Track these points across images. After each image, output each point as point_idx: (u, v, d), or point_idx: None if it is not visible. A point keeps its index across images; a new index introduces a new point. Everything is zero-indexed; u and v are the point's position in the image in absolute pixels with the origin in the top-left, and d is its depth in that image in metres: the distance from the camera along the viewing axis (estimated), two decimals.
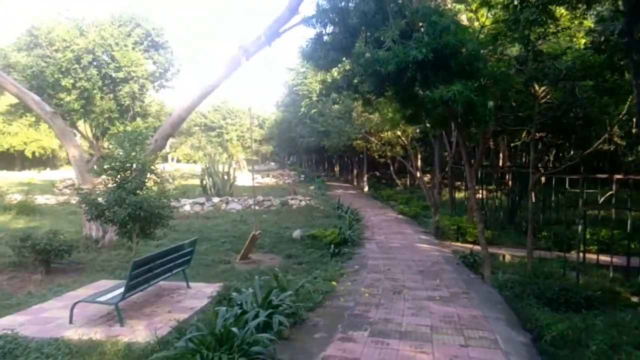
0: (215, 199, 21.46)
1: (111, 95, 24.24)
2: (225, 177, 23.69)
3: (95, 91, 23.35)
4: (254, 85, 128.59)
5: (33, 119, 25.96)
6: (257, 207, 21.35)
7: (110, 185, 8.24)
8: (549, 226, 18.86)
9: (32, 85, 22.13)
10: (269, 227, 15.99)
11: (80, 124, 26.20)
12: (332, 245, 12.34)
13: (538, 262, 13.43)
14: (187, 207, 20.57)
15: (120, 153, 8.09)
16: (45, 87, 22.42)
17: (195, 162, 59.85)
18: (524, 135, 23.12)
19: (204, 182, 23.31)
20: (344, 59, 9.13)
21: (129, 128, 25.16)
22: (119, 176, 8.24)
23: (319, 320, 6.34)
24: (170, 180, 22.66)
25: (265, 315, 5.48)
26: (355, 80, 9.95)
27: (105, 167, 8.15)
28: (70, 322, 5.78)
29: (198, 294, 7.24)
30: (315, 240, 13.37)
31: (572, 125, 17.58)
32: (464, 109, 8.81)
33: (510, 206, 20.81)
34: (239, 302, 5.79)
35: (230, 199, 21.82)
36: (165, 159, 68.89)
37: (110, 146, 8.76)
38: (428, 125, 14.89)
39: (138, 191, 8.19)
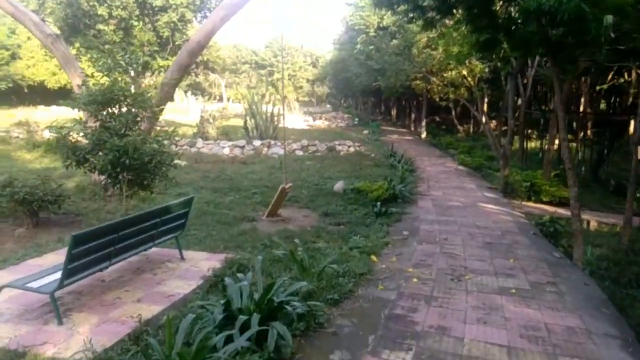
0: (257, 142, 19.79)
1: (150, 27, 22.56)
2: (269, 118, 21.85)
3: (132, 21, 21.74)
4: (309, 23, 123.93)
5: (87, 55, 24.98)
6: (301, 153, 19.54)
7: (89, 124, 6.57)
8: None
9: (66, 14, 20.86)
10: (309, 176, 14.16)
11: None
12: (379, 203, 10.34)
13: (636, 232, 10.87)
14: (226, 150, 19.07)
15: (105, 81, 6.32)
16: (81, 15, 21.03)
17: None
18: (609, 77, 19.63)
19: (247, 124, 21.63)
20: None
21: (169, 63, 23.64)
22: (104, 112, 6.53)
23: (342, 325, 4.48)
24: (211, 121, 21.19)
25: (259, 322, 3.67)
26: None
27: (84, 100, 6.44)
28: None
29: (190, 272, 5.55)
30: (360, 195, 11.41)
31: None
32: (566, 28, 6.32)
33: (595, 160, 17.80)
34: (223, 301, 3.99)
35: (273, 142, 20.07)
36: (220, 99, 68.02)
37: (95, 72, 6.99)
38: (505, 54, 12.06)
39: (127, 132, 6.46)
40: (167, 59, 23.61)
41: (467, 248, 7.58)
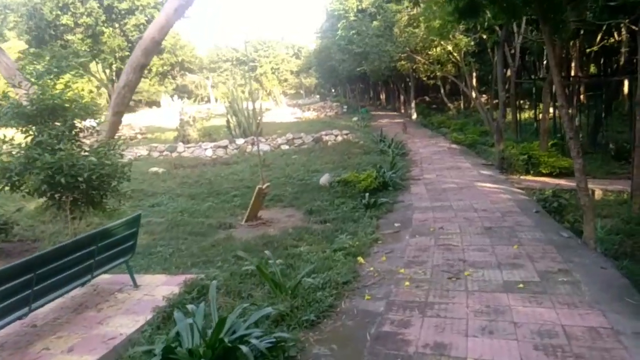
0: (240, 141, 18.97)
1: (118, 31, 21.64)
2: (252, 114, 20.97)
3: (99, 27, 20.83)
4: (290, 15, 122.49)
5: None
6: (287, 147, 18.72)
7: (16, 143, 5.74)
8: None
9: (30, 27, 19.90)
10: (294, 171, 13.37)
11: (93, 66, 24.01)
12: (367, 194, 9.56)
13: None
14: (209, 152, 18.25)
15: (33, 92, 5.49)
16: (45, 26, 20.06)
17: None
18: (598, 39, 18.79)
19: (229, 122, 20.78)
20: None
21: None
22: (34, 127, 5.71)
23: (320, 355, 3.71)
24: (191, 123, 20.37)
25: None
26: None
27: (9, 114, 5.60)
28: None
29: (141, 303, 4.76)
30: (347, 187, 10.62)
31: None
32: None
33: (593, 125, 16.98)
34: (158, 349, 3.21)
35: (257, 139, 19.22)
36: (208, 100, 66.88)
37: (24, 82, 6.17)
38: (489, 24, 11.23)
39: (62, 146, 5.63)
40: None
41: (465, 236, 6.81)
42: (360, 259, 5.99)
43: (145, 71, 25.04)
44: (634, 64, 19.78)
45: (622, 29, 17.96)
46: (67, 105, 5.85)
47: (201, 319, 3.59)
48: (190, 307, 3.74)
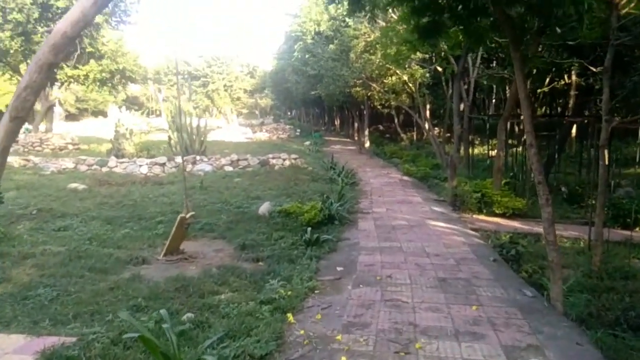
0: (180, 159, 17.50)
1: None
2: (196, 131, 19.60)
3: (30, 25, 19.02)
4: (248, 34, 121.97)
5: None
6: (231, 169, 17.45)
7: None
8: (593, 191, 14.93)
9: None
10: (232, 197, 12.10)
11: (24, 67, 21.95)
12: (309, 229, 8.47)
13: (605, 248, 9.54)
14: (144, 169, 16.68)
15: None
16: None
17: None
18: (547, 80, 18.92)
19: (170, 138, 19.29)
20: None
21: (80, 73, 21.05)
22: None
23: None
24: (128, 136, 18.77)
25: None
26: None
27: None
28: None
29: None
30: (288, 219, 9.53)
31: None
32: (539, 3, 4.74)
33: (545, 166, 16.73)
34: None
35: (199, 158, 17.87)
36: (159, 114, 64.34)
37: None
38: (446, 54, 10.60)
39: None
40: (76, 67, 20.92)
41: (416, 290, 5.82)
42: (290, 316, 4.85)
43: (82, 77, 23.21)
44: (582, 106, 20.06)
45: (572, 72, 18.10)
46: None
47: None
48: None
